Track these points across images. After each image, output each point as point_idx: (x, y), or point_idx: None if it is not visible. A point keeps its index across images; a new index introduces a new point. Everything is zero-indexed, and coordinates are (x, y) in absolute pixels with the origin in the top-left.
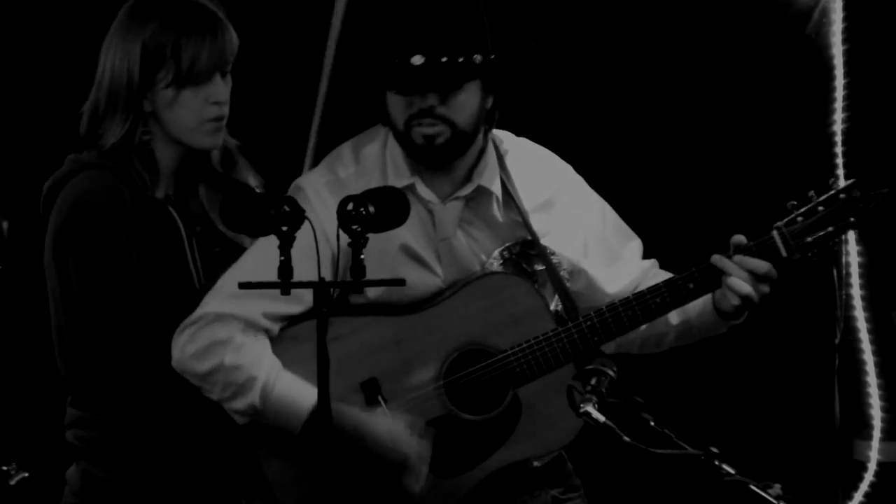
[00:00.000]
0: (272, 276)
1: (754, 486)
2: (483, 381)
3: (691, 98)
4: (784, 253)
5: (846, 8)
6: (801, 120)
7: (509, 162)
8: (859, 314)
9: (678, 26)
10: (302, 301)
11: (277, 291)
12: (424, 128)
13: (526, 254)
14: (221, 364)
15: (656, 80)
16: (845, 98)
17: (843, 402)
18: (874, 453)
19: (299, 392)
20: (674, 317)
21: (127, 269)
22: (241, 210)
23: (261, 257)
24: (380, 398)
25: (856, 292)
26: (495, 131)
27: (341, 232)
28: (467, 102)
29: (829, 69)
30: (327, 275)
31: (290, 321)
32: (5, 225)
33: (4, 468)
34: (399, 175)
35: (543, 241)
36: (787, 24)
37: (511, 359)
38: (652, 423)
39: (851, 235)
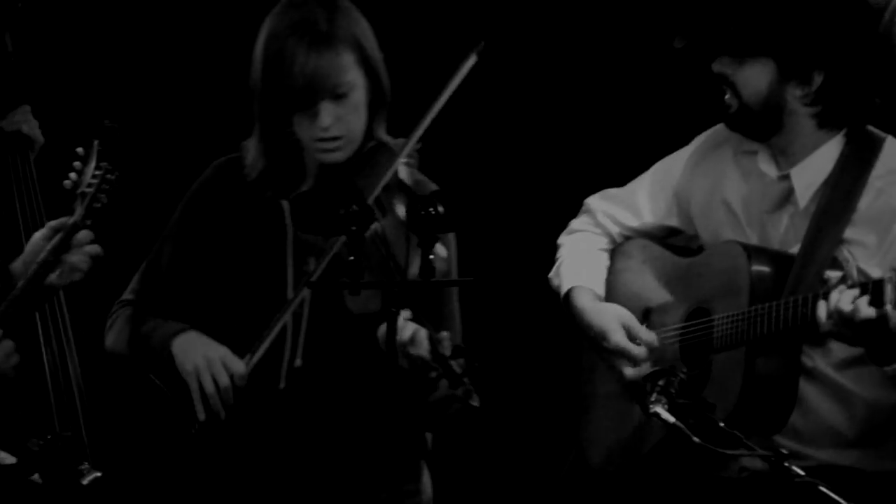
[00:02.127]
0: None
1: (823, 487)
2: (697, 340)
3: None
4: None
5: None
6: None
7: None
8: None
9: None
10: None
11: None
12: None
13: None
14: None
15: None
16: None
17: None
18: None
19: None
20: None
21: (196, 236)
22: (310, 210)
23: None
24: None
25: None
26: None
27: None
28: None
29: None
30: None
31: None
32: None
33: (78, 467)
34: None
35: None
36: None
37: (722, 325)
38: (721, 425)
39: None
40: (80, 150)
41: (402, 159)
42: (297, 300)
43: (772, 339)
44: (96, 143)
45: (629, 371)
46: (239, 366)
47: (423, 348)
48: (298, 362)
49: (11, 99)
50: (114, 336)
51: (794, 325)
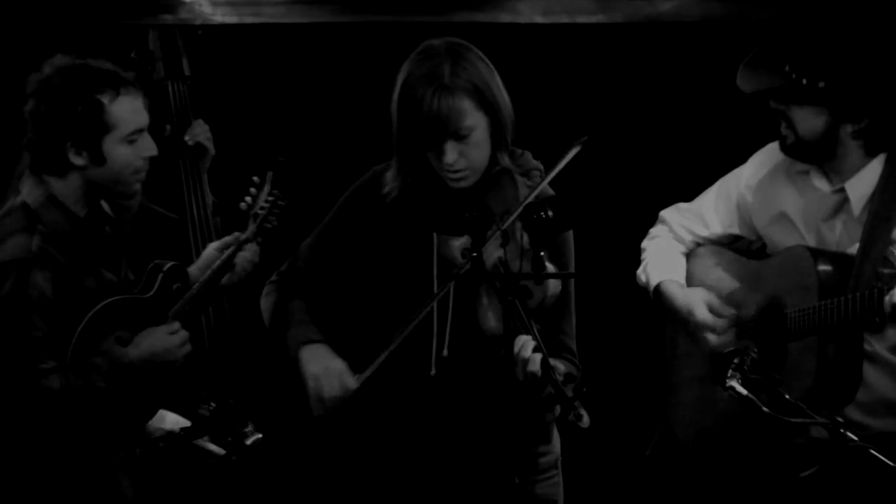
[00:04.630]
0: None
1: (873, 450)
2: (772, 328)
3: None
4: None
5: None
6: None
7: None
8: None
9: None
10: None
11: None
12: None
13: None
14: None
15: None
16: None
17: None
18: None
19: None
20: None
21: (343, 234)
22: (442, 213)
23: None
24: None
25: None
26: None
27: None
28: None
29: None
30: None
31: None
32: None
33: (242, 430)
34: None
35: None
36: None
37: (795, 316)
38: (787, 397)
39: None
40: (255, 178)
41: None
42: (422, 314)
43: (840, 328)
44: (270, 173)
45: (713, 339)
46: (350, 381)
47: (536, 367)
48: (445, 353)
49: (191, 114)
50: (264, 312)
51: (863, 315)
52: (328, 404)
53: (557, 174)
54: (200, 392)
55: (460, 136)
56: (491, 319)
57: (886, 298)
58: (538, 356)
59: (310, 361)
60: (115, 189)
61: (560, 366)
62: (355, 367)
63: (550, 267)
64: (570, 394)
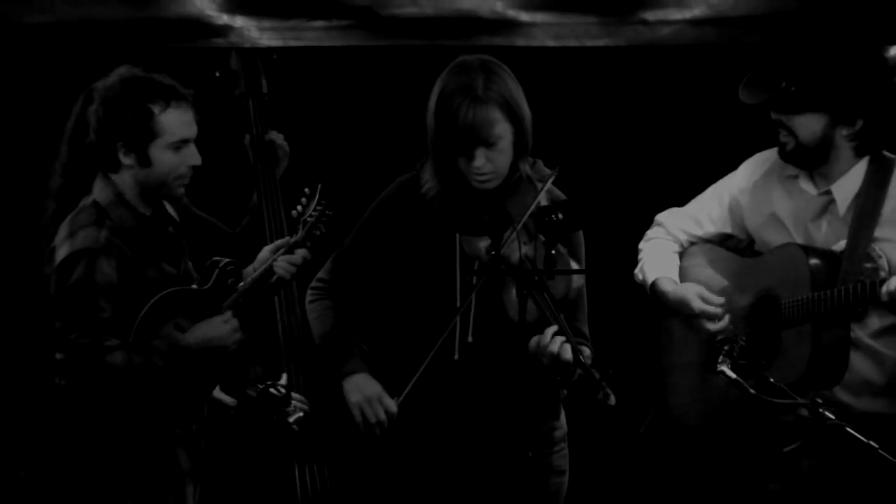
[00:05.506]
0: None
1: (849, 427)
2: (766, 318)
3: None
4: None
5: None
6: None
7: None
8: None
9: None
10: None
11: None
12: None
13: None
14: None
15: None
16: None
17: None
18: None
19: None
20: None
21: (376, 238)
22: (464, 216)
23: None
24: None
25: None
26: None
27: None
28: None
29: None
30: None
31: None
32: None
33: (285, 409)
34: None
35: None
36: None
37: (790, 306)
38: (771, 380)
39: None
40: (307, 189)
41: (542, 200)
42: (449, 327)
43: (831, 317)
44: (319, 186)
45: (711, 326)
46: (391, 404)
47: (568, 355)
48: (470, 339)
49: (268, 126)
50: (310, 317)
51: (855, 304)
52: (375, 430)
53: (566, 179)
54: (249, 375)
55: (489, 144)
56: (516, 309)
57: (883, 289)
58: (569, 346)
59: (352, 392)
60: (160, 191)
61: (586, 349)
62: (391, 373)
63: (573, 263)
64: (597, 376)
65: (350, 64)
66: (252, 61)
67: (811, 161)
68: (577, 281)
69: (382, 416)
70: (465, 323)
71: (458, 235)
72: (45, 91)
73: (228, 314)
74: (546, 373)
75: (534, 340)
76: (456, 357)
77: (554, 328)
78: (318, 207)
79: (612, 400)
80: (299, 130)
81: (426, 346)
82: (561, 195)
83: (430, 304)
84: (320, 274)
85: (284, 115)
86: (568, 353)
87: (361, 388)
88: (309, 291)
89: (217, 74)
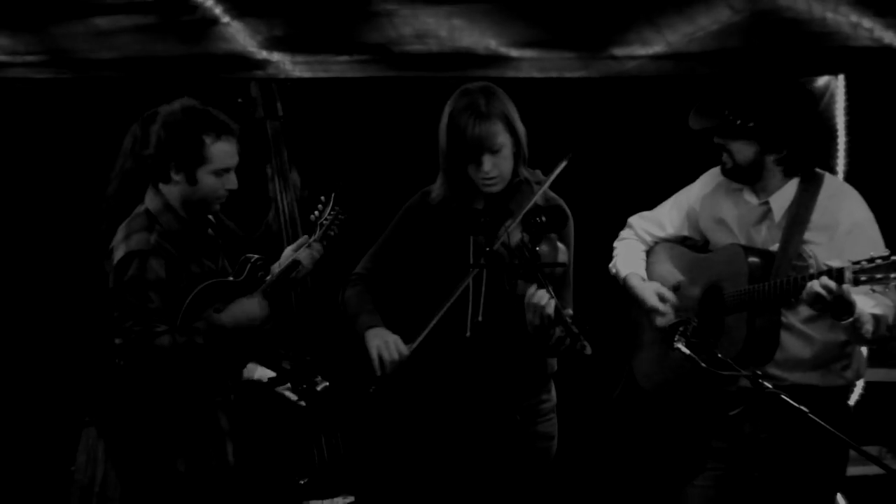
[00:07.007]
0: None
1: (784, 395)
2: (713, 305)
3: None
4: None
5: (847, 92)
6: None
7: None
8: None
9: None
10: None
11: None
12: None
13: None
14: None
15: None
16: (846, 155)
17: None
18: None
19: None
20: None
21: (400, 239)
22: (470, 219)
23: None
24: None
25: None
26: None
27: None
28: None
29: (834, 134)
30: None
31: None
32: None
33: (312, 380)
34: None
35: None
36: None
37: (731, 296)
38: (719, 356)
39: None
40: (322, 197)
41: (538, 199)
42: (460, 287)
43: (765, 306)
44: (334, 194)
45: (660, 321)
46: (403, 348)
47: (550, 310)
48: (480, 318)
49: (284, 146)
50: (347, 301)
51: (785, 296)
52: (388, 367)
53: (558, 184)
54: (282, 350)
55: (494, 151)
56: (521, 286)
57: (808, 285)
58: (553, 302)
59: (373, 338)
60: (200, 206)
61: (569, 310)
62: (407, 339)
63: (561, 246)
64: (576, 330)
65: (368, 91)
66: (269, 89)
67: (746, 178)
68: (562, 256)
69: (396, 356)
70: (476, 304)
71: (471, 246)
72: (111, 115)
73: (258, 296)
74: (534, 336)
75: (529, 292)
76: (468, 334)
77: (543, 290)
78: (332, 212)
79: (588, 350)
80: (320, 147)
81: (440, 321)
82: (556, 198)
83: (446, 289)
84: (357, 269)
85: (309, 135)
86: (551, 307)
87: (381, 335)
88: (346, 283)
89: (239, 101)
